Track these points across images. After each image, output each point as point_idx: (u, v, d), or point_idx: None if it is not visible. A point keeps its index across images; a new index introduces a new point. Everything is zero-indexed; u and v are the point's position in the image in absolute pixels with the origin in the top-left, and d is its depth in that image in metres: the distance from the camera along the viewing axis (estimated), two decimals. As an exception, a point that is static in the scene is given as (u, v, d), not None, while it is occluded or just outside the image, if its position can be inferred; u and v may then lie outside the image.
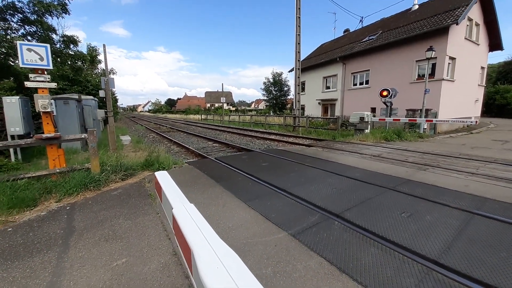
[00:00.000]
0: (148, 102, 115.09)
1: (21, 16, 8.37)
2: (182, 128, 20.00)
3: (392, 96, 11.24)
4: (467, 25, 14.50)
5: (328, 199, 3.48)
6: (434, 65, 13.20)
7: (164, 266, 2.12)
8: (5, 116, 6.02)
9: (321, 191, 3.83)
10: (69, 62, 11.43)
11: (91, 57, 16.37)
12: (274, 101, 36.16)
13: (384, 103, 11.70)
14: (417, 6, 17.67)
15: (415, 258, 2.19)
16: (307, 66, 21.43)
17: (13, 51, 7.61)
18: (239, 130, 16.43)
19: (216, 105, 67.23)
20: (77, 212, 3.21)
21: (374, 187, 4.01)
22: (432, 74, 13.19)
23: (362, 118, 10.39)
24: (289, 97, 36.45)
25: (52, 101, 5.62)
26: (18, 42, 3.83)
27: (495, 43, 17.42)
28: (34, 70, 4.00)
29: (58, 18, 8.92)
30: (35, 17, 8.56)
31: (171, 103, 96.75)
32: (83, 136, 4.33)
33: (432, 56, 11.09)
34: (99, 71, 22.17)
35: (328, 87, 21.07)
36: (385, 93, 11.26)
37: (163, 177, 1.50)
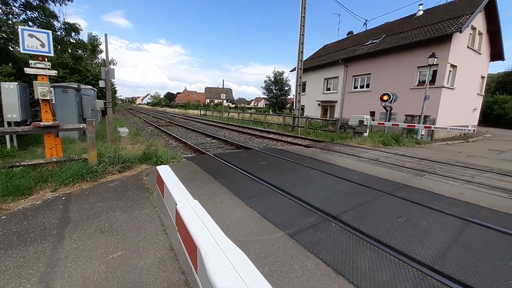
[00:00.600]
0: (147, 94, 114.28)
1: (23, 0, 8.22)
2: (181, 122, 19.90)
3: (392, 101, 11.29)
4: (470, 33, 14.57)
5: (325, 201, 3.49)
6: (435, 72, 13.27)
7: (160, 261, 2.10)
8: (3, 102, 5.93)
9: (319, 192, 3.84)
10: (70, 50, 11.29)
11: (92, 46, 16.17)
12: (274, 100, 36.15)
13: (384, 107, 11.75)
14: (421, 12, 17.71)
15: (411, 263, 2.20)
16: (309, 66, 21.41)
17: (14, 37, 7.49)
18: (238, 128, 16.40)
19: (216, 101, 66.95)
20: (73, 203, 3.18)
21: (372, 190, 4.03)
22: (432, 81, 13.26)
23: (361, 121, 10.42)
24: (289, 96, 36.45)
25: (52, 89, 5.54)
26: (20, 27, 3.76)
27: (496, 53, 17.54)
28: (35, 57, 3.93)
29: (61, 4, 8.79)
30: (37, 2, 8.42)
31: (170, 97, 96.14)
32: (81, 126, 4.28)
33: (434, 63, 11.14)
34: (99, 61, 21.92)
35: (328, 89, 21.09)
36: (385, 97, 11.30)
37: (165, 172, 1.48)
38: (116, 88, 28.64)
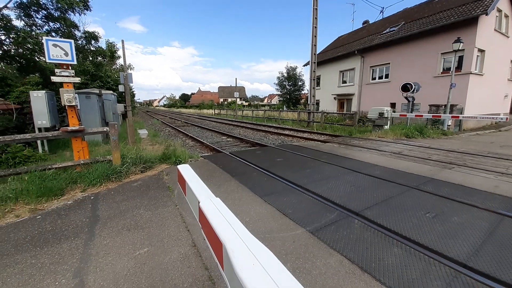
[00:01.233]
0: (163, 97, 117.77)
1: (45, 12, 8.73)
2: (196, 122, 20.30)
3: (415, 91, 10.71)
4: (497, 16, 13.48)
5: (346, 197, 3.39)
6: (461, 58, 12.40)
7: (184, 257, 2.16)
8: (33, 110, 6.37)
9: (338, 188, 3.74)
10: (90, 58, 11.86)
11: (111, 52, 16.89)
12: (288, 96, 35.73)
13: (406, 98, 11.17)
14: (443, -5, 16.56)
15: (442, 261, 2.08)
16: (323, 59, 20.88)
17: (38, 47, 7.98)
18: (252, 125, 16.42)
19: (229, 99, 67.50)
20: (101, 202, 3.35)
21: (395, 185, 3.85)
22: (458, 68, 12.40)
23: (381, 114, 10.00)
24: (303, 92, 35.86)
25: (76, 95, 5.86)
26: (44, 38, 3.99)
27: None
28: (59, 65, 4.16)
29: (80, 14, 9.23)
30: (59, 13, 8.91)
31: (185, 98, 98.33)
32: (105, 130, 4.49)
33: (460, 48, 10.40)
34: (118, 66, 22.87)
35: (344, 82, 20.45)
36: (407, 87, 10.74)
37: (186, 170, 1.50)
38: (135, 92, 29.79)
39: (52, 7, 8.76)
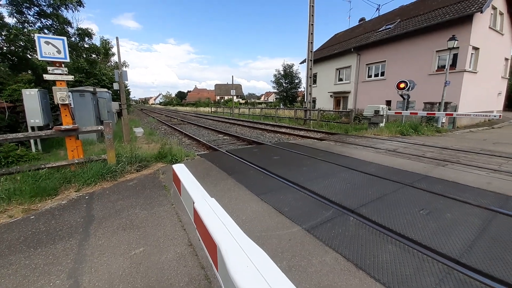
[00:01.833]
0: (159, 94, 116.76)
1: (37, 9, 8.53)
2: (193, 120, 20.18)
3: (410, 89, 10.78)
4: (491, 13, 13.62)
5: (342, 194, 3.42)
6: (455, 56, 12.51)
7: (180, 256, 2.15)
8: (25, 108, 6.25)
9: (334, 186, 3.77)
10: (84, 55, 11.65)
11: (105, 49, 16.64)
12: (285, 94, 35.74)
13: (401, 95, 11.25)
14: (439, -7, 16.64)
15: (435, 257, 2.12)
16: (319, 57, 20.87)
17: (31, 44, 7.81)
18: (249, 123, 16.40)
19: (226, 97, 67.23)
20: (96, 202, 3.32)
21: (390, 182, 3.89)
22: (453, 65, 12.51)
23: (377, 111, 10.06)
24: (300, 89, 35.90)
25: (70, 93, 5.77)
26: (36, 35, 3.91)
27: (521, 33, 16.25)
28: (52, 63, 4.08)
29: (73, 11, 9.04)
30: (51, 10, 8.72)
31: (181, 95, 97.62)
32: (99, 128, 4.43)
33: (455, 46, 10.49)
34: (112, 63, 22.55)
35: (341, 79, 20.51)
36: (402, 85, 10.81)
37: (181, 170, 1.49)
38: (130, 90, 29.46)
39: (44, 4, 8.56)
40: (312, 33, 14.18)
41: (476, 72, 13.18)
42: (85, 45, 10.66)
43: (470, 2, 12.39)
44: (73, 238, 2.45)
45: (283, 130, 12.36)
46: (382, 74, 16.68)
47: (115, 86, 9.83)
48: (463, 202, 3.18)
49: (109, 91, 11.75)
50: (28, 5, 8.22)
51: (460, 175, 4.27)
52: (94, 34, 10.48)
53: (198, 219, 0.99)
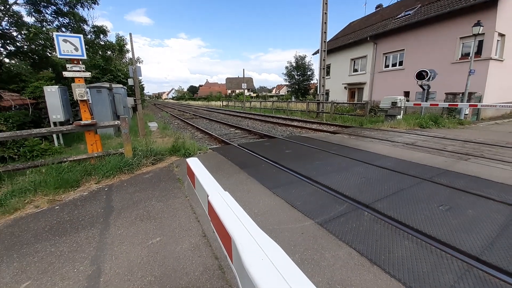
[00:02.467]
0: (172, 89, 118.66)
1: (55, 8, 8.83)
2: (205, 114, 20.40)
3: (431, 78, 10.23)
4: (517, -2, 12.52)
5: (356, 189, 3.35)
6: (480, 43, 11.69)
7: (195, 247, 2.22)
8: (47, 104, 6.57)
9: (348, 180, 3.69)
10: (100, 52, 12.00)
11: (119, 46, 17.02)
12: (297, 86, 35.11)
13: (421, 86, 10.71)
14: (464, -26, 15.46)
15: (455, 254, 2.04)
16: (333, 47, 20.22)
17: (49, 43, 8.13)
18: (260, 117, 16.34)
19: (237, 91, 67.15)
20: (114, 193, 3.47)
21: (408, 177, 3.76)
22: (478, 53, 11.72)
23: (394, 103, 9.66)
24: (312, 81, 35.13)
25: (87, 89, 5.97)
26: (54, 34, 4.05)
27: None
28: (70, 60, 4.23)
29: (88, 9, 9.28)
30: (67, 8, 8.99)
31: (193, 90, 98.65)
32: (116, 123, 4.58)
33: (480, 32, 9.78)
34: (127, 60, 23.07)
35: (356, 70, 19.83)
36: (422, 75, 10.28)
37: (195, 164, 1.51)
38: (144, 85, 30.13)
39: (61, 2, 8.85)
40: (325, 22, 13.71)
41: (502, 60, 12.30)
42: (101, 42, 10.96)
43: (496, -15, 11.46)
44: (95, 228, 2.58)
45: (295, 123, 12.22)
46: (401, 63, 15.93)
47: (130, 81, 10.10)
48: (486, 198, 3.02)
49: (124, 87, 12.08)
50: (45, 4, 8.51)
51: (483, 170, 4.05)
52: (109, 31, 10.74)
53: (212, 212, 1.01)
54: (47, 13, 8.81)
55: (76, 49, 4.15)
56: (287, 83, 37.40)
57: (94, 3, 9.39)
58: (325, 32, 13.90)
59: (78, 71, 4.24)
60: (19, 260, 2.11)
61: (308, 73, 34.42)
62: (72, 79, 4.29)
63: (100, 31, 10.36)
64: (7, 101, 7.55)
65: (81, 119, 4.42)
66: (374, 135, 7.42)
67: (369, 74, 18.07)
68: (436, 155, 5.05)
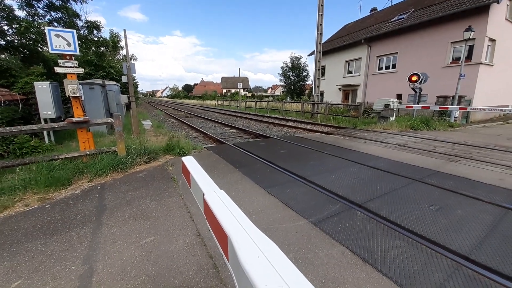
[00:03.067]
0: (166, 87, 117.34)
1: (47, 1, 8.61)
2: (200, 113, 20.27)
3: (423, 82, 10.45)
4: (508, 4, 12.99)
5: (349, 189, 3.40)
6: (471, 48, 12.01)
7: (189, 246, 2.21)
8: (38, 101, 6.41)
9: (342, 180, 3.74)
10: (93, 48, 11.78)
11: (113, 42, 16.74)
12: (292, 87, 35.28)
13: (413, 89, 10.93)
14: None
15: (444, 253, 2.10)
16: (328, 49, 20.38)
17: (41, 37, 7.92)
18: (255, 116, 16.35)
19: (233, 90, 66.99)
20: (107, 192, 3.42)
21: (399, 178, 3.84)
22: (468, 58, 12.03)
23: (387, 105, 9.83)
24: (307, 82, 35.34)
25: (80, 86, 5.85)
26: (46, 28, 3.96)
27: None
28: (63, 56, 4.14)
29: (82, 3, 9.09)
30: (60, 3, 8.78)
31: (188, 88, 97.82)
32: (109, 121, 4.51)
33: (471, 37, 10.04)
34: (121, 57, 22.71)
35: (350, 72, 20.06)
36: (414, 78, 10.49)
37: (190, 163, 1.51)
38: (138, 83, 29.72)
39: (53, -4, 8.64)
40: (321, 24, 13.82)
41: (492, 65, 12.66)
42: (94, 38, 10.75)
43: (487, -8, 11.81)
44: (87, 227, 2.54)
45: (290, 123, 12.28)
46: (394, 66, 16.21)
47: (124, 78, 9.94)
48: (475, 198, 3.11)
49: (118, 84, 11.89)
50: (37, -4, 8.30)
51: (472, 171, 4.17)
52: (102, 27, 10.55)
53: (208, 211, 1.01)
54: (39, 7, 8.59)
55: (69, 44, 4.07)
56: (283, 83, 37.53)
57: (88, -2, 9.21)
58: (320, 34, 14.01)
59: (71, 67, 4.16)
60: (9, 259, 2.06)
61: (303, 73, 34.64)
62: (64, 75, 4.20)
63: (93, 26, 10.16)
64: (-4, 97, 7.33)
65: (73, 116, 4.33)
66: (367, 136, 7.52)
67: (363, 76, 18.31)
68: (427, 156, 5.16)
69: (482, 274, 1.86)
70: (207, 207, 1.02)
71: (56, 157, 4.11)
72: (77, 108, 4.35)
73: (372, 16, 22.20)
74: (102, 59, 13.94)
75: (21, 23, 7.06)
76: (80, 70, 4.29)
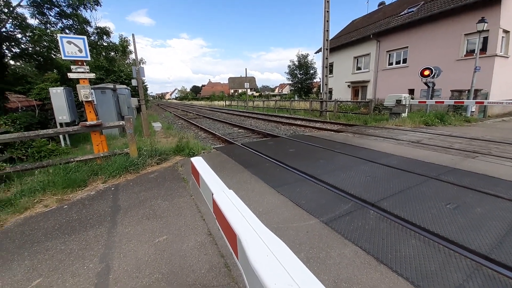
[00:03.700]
0: (175, 89, 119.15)
1: (58, 10, 8.89)
2: (208, 114, 20.46)
3: (435, 76, 10.11)
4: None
5: (361, 187, 3.33)
6: (485, 40, 11.52)
7: (200, 245, 2.23)
8: (53, 106, 6.66)
9: (353, 178, 3.68)
10: (104, 53, 12.09)
11: (123, 47, 17.16)
12: (299, 85, 34.94)
13: (426, 83, 10.59)
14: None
15: (463, 253, 2.02)
16: (336, 45, 20.09)
17: (54, 45, 8.20)
18: (263, 116, 16.33)
19: (240, 90, 67.18)
20: (121, 193, 3.51)
21: (414, 175, 3.73)
22: (483, 50, 11.55)
23: (399, 101, 9.57)
24: (315, 80, 34.92)
25: (92, 90, 6.04)
26: (58, 35, 4.10)
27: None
28: (75, 62, 4.28)
29: (91, 10, 9.33)
30: (71, 10, 9.06)
31: (196, 90, 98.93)
32: (121, 123, 4.63)
33: (484, 29, 9.63)
34: (130, 61, 23.24)
35: (359, 68, 19.68)
36: (427, 72, 10.16)
37: (199, 163, 1.52)
38: (147, 86, 30.32)
39: (64, 4, 8.91)
40: (328, 20, 13.63)
41: (508, 57, 12.11)
42: (104, 43, 11.03)
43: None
44: (103, 226, 2.62)
45: (299, 122, 12.19)
46: (404, 61, 15.77)
47: (134, 82, 10.16)
48: (495, 196, 2.98)
49: (128, 88, 12.18)
50: (48, 5, 8.58)
51: (491, 168, 3.99)
52: (111, 32, 10.79)
53: (217, 210, 1.01)
54: (50, 15, 8.87)
55: (80, 51, 4.19)
56: (290, 82, 37.26)
57: (97, 4, 9.43)
58: (327, 30, 13.82)
59: (83, 72, 4.29)
60: (30, 258, 2.15)
61: (311, 71, 34.21)
62: (77, 80, 4.34)
63: (103, 32, 10.41)
64: (14, 103, 7.69)
65: (86, 120, 4.47)
66: (378, 133, 7.36)
67: (372, 72, 17.93)
68: (442, 153, 4.99)
69: (503, 274, 1.79)
70: (216, 207, 1.02)
71: (72, 159, 4.25)
72: (90, 112, 4.49)
73: (380, 10, 21.69)
74: (113, 63, 14.27)
75: (34, 31, 7.33)
76: (92, 75, 4.42)
